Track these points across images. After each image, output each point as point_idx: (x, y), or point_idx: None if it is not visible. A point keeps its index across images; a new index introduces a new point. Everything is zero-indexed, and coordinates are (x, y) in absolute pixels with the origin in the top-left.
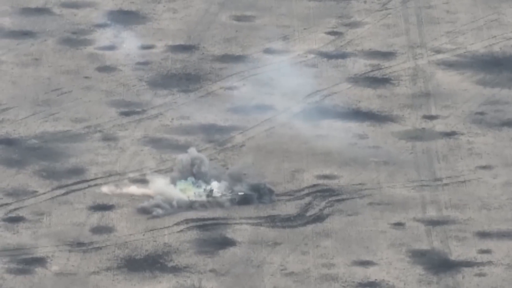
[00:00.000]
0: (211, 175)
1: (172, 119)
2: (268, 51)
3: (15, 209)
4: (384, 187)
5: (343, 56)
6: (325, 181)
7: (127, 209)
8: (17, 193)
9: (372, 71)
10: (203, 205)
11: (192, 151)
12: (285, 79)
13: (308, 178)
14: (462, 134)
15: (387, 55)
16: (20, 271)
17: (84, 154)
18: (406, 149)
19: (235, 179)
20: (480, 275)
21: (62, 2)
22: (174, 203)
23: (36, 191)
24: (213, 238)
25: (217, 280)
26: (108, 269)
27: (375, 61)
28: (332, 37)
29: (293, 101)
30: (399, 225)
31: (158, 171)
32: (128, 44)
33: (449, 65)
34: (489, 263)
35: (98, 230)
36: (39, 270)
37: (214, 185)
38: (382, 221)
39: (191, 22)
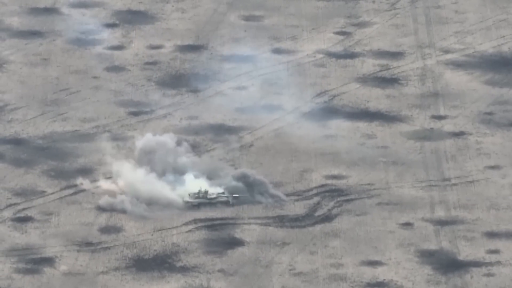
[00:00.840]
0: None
1: (181, 119)
2: (276, 51)
3: (23, 209)
4: (392, 187)
5: (352, 56)
6: (334, 181)
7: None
8: (25, 193)
9: (380, 71)
10: (197, 206)
11: (149, 137)
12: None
13: (317, 178)
14: (471, 134)
15: (396, 55)
16: (29, 271)
17: (92, 154)
18: (414, 149)
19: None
20: (489, 275)
21: (71, 2)
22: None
23: (44, 191)
24: (222, 238)
25: (226, 280)
26: (116, 269)
27: (383, 61)
28: (340, 37)
29: (301, 101)
30: (407, 225)
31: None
32: (136, 44)
33: (458, 65)
34: (498, 263)
35: (106, 230)
36: (47, 270)
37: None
38: (391, 221)
39: (200, 22)
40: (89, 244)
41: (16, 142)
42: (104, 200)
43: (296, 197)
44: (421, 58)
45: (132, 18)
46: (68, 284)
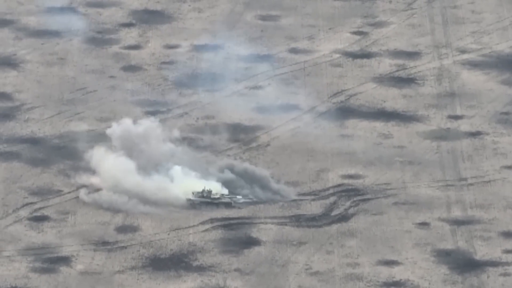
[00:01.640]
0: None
1: (197, 118)
2: (293, 50)
3: (40, 208)
4: (409, 186)
5: (368, 56)
6: (350, 181)
7: (151, 208)
8: (42, 192)
9: (397, 71)
10: (199, 205)
11: (128, 123)
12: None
13: (333, 177)
14: (487, 134)
15: (412, 55)
16: (45, 270)
17: None
18: (431, 149)
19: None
20: (505, 274)
21: (87, 1)
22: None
23: (61, 190)
24: (238, 238)
25: (242, 279)
26: (133, 268)
27: (400, 61)
28: (357, 37)
29: (318, 101)
30: (424, 224)
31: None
32: (153, 43)
33: (474, 65)
34: None
35: (123, 229)
36: (64, 269)
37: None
38: (407, 221)
39: (217, 21)
40: (105, 243)
41: (33, 141)
42: (83, 193)
43: (312, 197)
44: (437, 58)
45: (148, 17)
46: (85, 283)
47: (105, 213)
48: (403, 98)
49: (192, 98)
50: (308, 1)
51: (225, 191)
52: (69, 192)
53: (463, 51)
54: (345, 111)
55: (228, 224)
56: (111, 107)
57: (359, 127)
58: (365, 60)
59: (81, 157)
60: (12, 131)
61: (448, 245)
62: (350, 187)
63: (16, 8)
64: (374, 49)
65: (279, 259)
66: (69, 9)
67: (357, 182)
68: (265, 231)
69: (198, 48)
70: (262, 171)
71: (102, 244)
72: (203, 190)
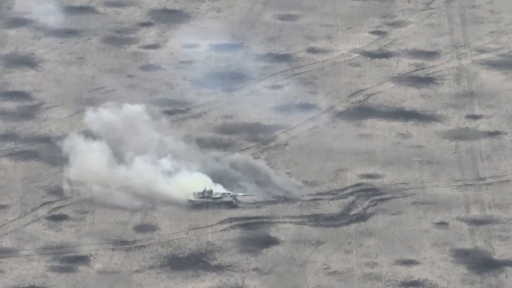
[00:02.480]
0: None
1: (216, 118)
2: (312, 50)
3: (58, 207)
4: (427, 186)
5: (387, 55)
6: (369, 180)
7: (170, 207)
8: (60, 192)
9: (415, 70)
10: (200, 206)
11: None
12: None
13: (352, 177)
14: (506, 133)
15: (431, 54)
16: (64, 269)
17: None
18: (449, 148)
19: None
20: None
21: (106, 0)
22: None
23: (79, 189)
24: (257, 237)
25: (260, 279)
26: (151, 267)
27: (418, 61)
28: (376, 37)
29: (336, 100)
30: (442, 224)
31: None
32: (172, 43)
33: (493, 64)
34: None
35: (141, 228)
36: (82, 268)
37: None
38: (426, 221)
39: (235, 21)
40: (124, 242)
41: (51, 140)
42: (66, 187)
43: (331, 196)
44: (456, 57)
45: (167, 17)
46: (103, 282)
47: (123, 212)
48: (421, 98)
49: (210, 98)
50: (326, 0)
51: (224, 190)
52: (88, 191)
53: (481, 51)
54: (364, 111)
55: (246, 224)
56: None
57: (378, 126)
58: (383, 59)
59: None
60: (31, 130)
61: (467, 245)
62: (368, 186)
63: (34, 8)
64: (392, 48)
65: (298, 259)
66: (88, 9)
67: (375, 182)
68: (284, 231)
69: (216, 48)
70: (261, 163)
71: (121, 244)
72: (204, 190)
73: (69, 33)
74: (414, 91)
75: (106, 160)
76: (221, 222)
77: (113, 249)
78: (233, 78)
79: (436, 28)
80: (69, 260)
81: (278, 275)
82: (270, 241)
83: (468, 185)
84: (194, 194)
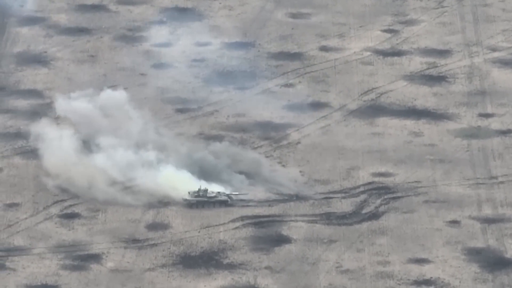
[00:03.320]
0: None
1: (228, 116)
2: (324, 48)
3: (70, 206)
4: (439, 185)
5: (399, 53)
6: (381, 179)
7: (182, 205)
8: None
9: (428, 69)
10: (195, 205)
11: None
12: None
13: (364, 175)
14: None
15: (443, 53)
16: (76, 268)
17: None
18: (461, 147)
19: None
20: None
21: None
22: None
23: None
24: (269, 235)
25: (273, 277)
26: (163, 265)
27: (431, 59)
28: (388, 35)
29: (348, 99)
30: (454, 223)
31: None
32: (184, 41)
33: (505, 63)
34: None
35: (153, 226)
36: (94, 266)
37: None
38: (438, 219)
39: (247, 19)
40: (136, 241)
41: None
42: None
43: (343, 195)
44: (468, 56)
45: (179, 15)
46: (115, 280)
47: (135, 210)
48: (433, 96)
49: (222, 96)
50: None
51: (219, 188)
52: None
53: (493, 49)
54: (376, 109)
55: (258, 222)
56: (141, 104)
57: (390, 125)
58: (395, 58)
59: None
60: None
61: (479, 243)
62: (380, 185)
63: (47, 6)
64: (404, 47)
65: (310, 257)
66: (100, 7)
67: (387, 180)
68: (296, 229)
69: (228, 46)
70: (254, 154)
71: (133, 242)
72: (199, 190)
73: (81, 31)
74: (426, 89)
75: (76, 148)
76: (233, 221)
77: (125, 248)
78: (245, 77)
79: (448, 27)
80: (81, 259)
81: (290, 273)
82: (282, 240)
83: (480, 183)
84: (189, 193)
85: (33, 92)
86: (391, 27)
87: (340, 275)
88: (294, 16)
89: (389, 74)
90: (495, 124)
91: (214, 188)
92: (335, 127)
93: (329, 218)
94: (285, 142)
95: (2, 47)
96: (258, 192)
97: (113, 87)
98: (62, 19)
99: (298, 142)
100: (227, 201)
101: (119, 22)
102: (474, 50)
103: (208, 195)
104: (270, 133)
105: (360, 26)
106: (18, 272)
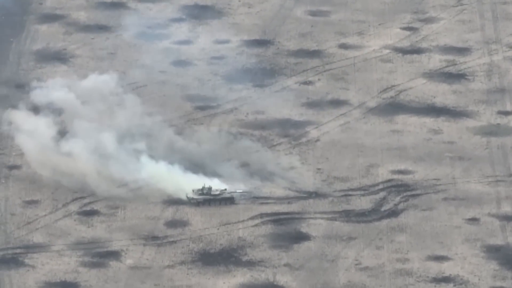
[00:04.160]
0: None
1: (247, 113)
2: (343, 46)
3: (89, 203)
4: (459, 182)
5: (418, 51)
6: (400, 176)
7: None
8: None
9: (447, 66)
10: (202, 203)
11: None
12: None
13: (383, 173)
14: None
15: (462, 50)
16: (95, 265)
17: None
18: (481, 144)
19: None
20: None
21: None
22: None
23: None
24: (288, 233)
25: (292, 275)
26: (182, 262)
27: (450, 57)
28: (407, 33)
29: (368, 96)
30: (473, 220)
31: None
32: (203, 38)
33: None
34: None
35: (172, 224)
36: (113, 263)
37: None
38: (457, 216)
39: (267, 17)
40: (155, 238)
41: None
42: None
43: (362, 192)
44: (487, 54)
45: (199, 13)
46: (134, 277)
47: (155, 207)
48: (453, 94)
49: (242, 93)
50: None
51: (223, 186)
52: (119, 187)
53: None
54: (395, 107)
55: (277, 219)
56: (161, 102)
57: (409, 122)
58: (415, 55)
59: None
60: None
61: (498, 241)
62: (399, 182)
63: (66, 3)
64: (424, 44)
65: (329, 254)
66: (119, 4)
67: (406, 178)
68: (315, 226)
69: (248, 43)
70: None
71: (152, 239)
72: (203, 187)
73: (101, 28)
74: (446, 87)
75: (51, 137)
76: (252, 218)
77: (144, 245)
78: (264, 74)
79: (468, 24)
80: (100, 256)
81: (309, 270)
82: (301, 237)
83: (499, 181)
84: (193, 191)
85: None
86: (410, 25)
87: (359, 272)
88: (313, 13)
89: (408, 72)
90: None
91: (215, 185)
92: (354, 124)
93: (348, 215)
94: (304, 139)
95: (22, 44)
96: (277, 190)
97: (132, 84)
98: (82, 16)
99: (317, 140)
100: (232, 198)
101: (139, 19)
102: (493, 48)
103: (212, 192)
104: (289, 131)
105: (380, 24)
106: (37, 269)
